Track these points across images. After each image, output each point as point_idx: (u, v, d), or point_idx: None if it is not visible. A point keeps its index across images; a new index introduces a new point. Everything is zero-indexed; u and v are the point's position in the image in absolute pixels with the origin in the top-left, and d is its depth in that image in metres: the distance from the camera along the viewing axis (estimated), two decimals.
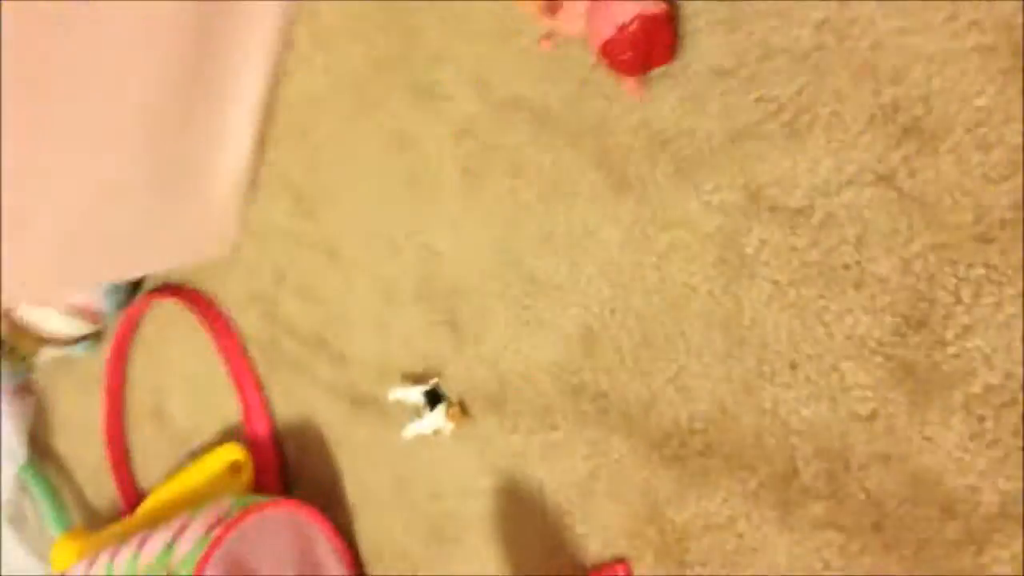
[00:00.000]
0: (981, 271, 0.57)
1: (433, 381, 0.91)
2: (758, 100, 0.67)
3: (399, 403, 0.95)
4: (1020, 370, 0.55)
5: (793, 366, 0.66)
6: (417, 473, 0.95)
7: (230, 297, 1.18)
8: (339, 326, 1.04)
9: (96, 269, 1.04)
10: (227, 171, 1.10)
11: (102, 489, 1.42)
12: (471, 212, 0.88)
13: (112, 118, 0.96)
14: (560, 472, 0.82)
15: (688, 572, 0.73)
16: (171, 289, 1.24)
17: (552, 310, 0.82)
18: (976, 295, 0.57)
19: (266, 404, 1.12)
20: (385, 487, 0.98)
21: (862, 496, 0.63)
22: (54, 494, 1.42)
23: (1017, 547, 0.56)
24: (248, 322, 1.16)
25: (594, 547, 0.80)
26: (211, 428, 1.21)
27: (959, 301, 0.58)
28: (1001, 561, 0.57)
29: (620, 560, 0.78)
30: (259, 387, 1.13)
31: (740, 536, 0.70)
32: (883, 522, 0.62)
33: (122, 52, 0.93)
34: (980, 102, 0.57)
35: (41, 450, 1.54)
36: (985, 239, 0.57)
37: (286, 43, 1.06)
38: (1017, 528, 0.56)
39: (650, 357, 0.75)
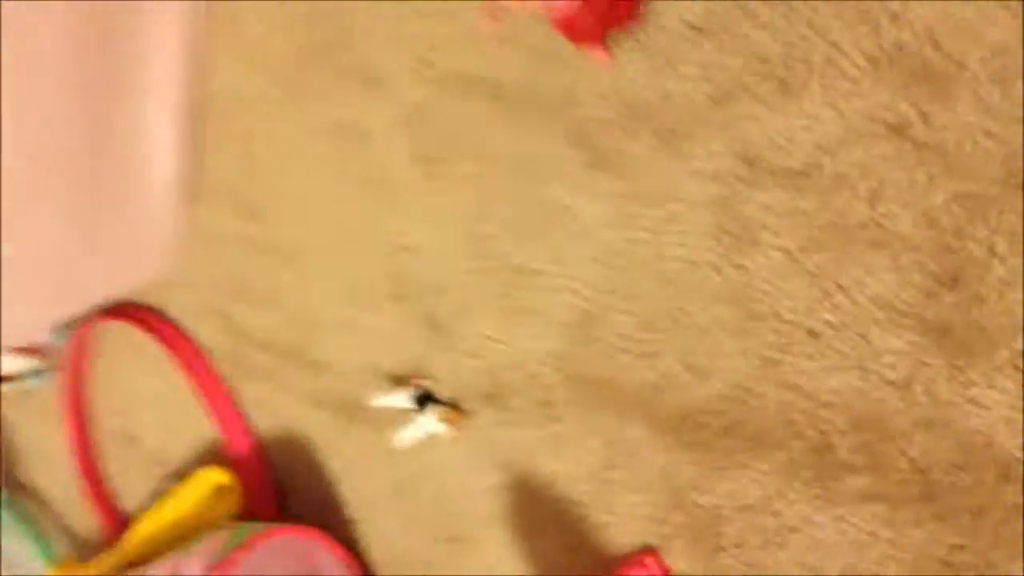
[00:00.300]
0: (1014, 219, 0.52)
1: (419, 384, 0.85)
2: (739, 56, 0.60)
3: (391, 410, 0.89)
4: None
5: (814, 335, 0.61)
6: (418, 477, 0.90)
7: (182, 313, 1.10)
8: (308, 332, 0.96)
9: (31, 317, 0.95)
10: (156, 183, 1.01)
11: (82, 518, 1.35)
12: (436, 202, 0.81)
13: (17, 144, 0.86)
14: (572, 464, 0.77)
15: (723, 556, 0.69)
16: (115, 310, 1.16)
17: (539, 298, 0.76)
18: (1011, 245, 0.52)
19: (243, 420, 1.05)
20: (385, 494, 0.93)
21: (905, 466, 0.59)
22: (36, 527, 1.36)
23: None
24: (207, 336, 1.09)
25: (618, 538, 0.75)
26: (185, 448, 1.14)
27: (994, 254, 0.52)
28: None
29: (649, 549, 0.74)
30: (232, 403, 1.06)
31: (776, 515, 0.65)
32: (931, 491, 0.58)
33: (17, 60, 0.83)
34: (994, 34, 0.51)
35: (13, 485, 1.46)
36: (1016, 184, 0.51)
37: (201, 41, 0.97)
38: None
39: (654, 338, 0.69)
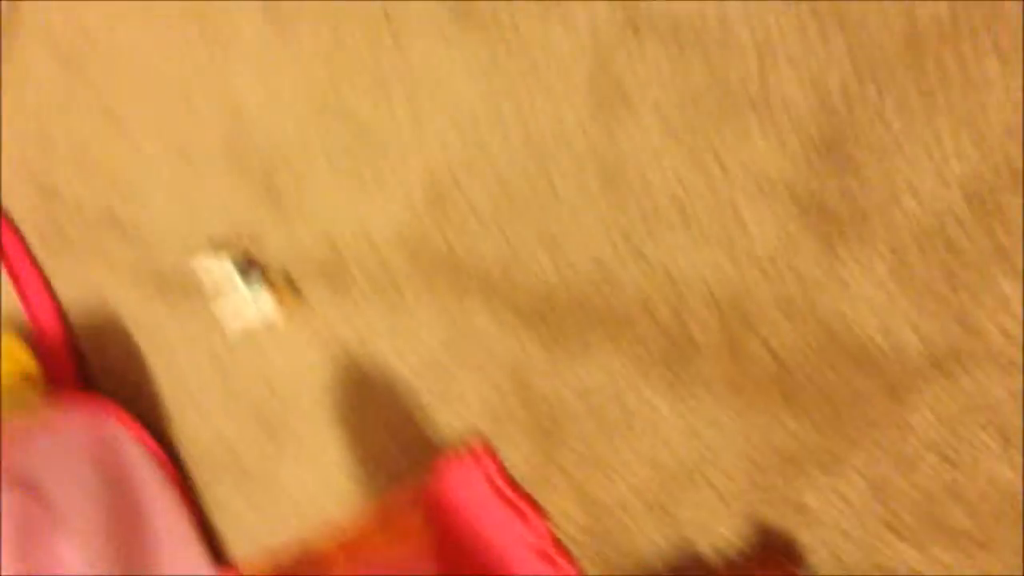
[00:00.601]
0: (908, 80, 0.48)
1: (250, 257, 0.77)
2: None
3: (213, 282, 0.80)
4: (952, 198, 0.47)
5: (682, 206, 0.56)
6: (242, 361, 0.81)
7: None
8: (131, 199, 0.86)
9: None
10: None
11: None
12: (283, 60, 0.72)
13: None
14: (410, 349, 0.70)
15: (561, 447, 0.64)
16: None
17: (392, 165, 0.68)
18: (901, 109, 0.48)
19: (51, 292, 0.94)
20: (205, 379, 0.84)
21: (762, 352, 0.55)
22: None
23: (940, 394, 0.49)
24: (17, 201, 0.97)
25: (451, 428, 0.69)
26: None
27: (880, 117, 0.49)
28: (921, 411, 0.50)
29: (483, 443, 0.68)
30: (40, 275, 0.94)
31: (621, 404, 0.61)
32: (785, 378, 0.54)
33: None
34: None
35: None
36: (913, 43, 0.47)
37: None
38: (939, 374, 0.49)
39: (511, 210, 0.63)
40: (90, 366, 0.93)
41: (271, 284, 0.76)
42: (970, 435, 0.49)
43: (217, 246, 0.80)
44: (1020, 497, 0.48)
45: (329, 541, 0.62)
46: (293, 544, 0.61)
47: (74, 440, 0.79)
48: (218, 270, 0.77)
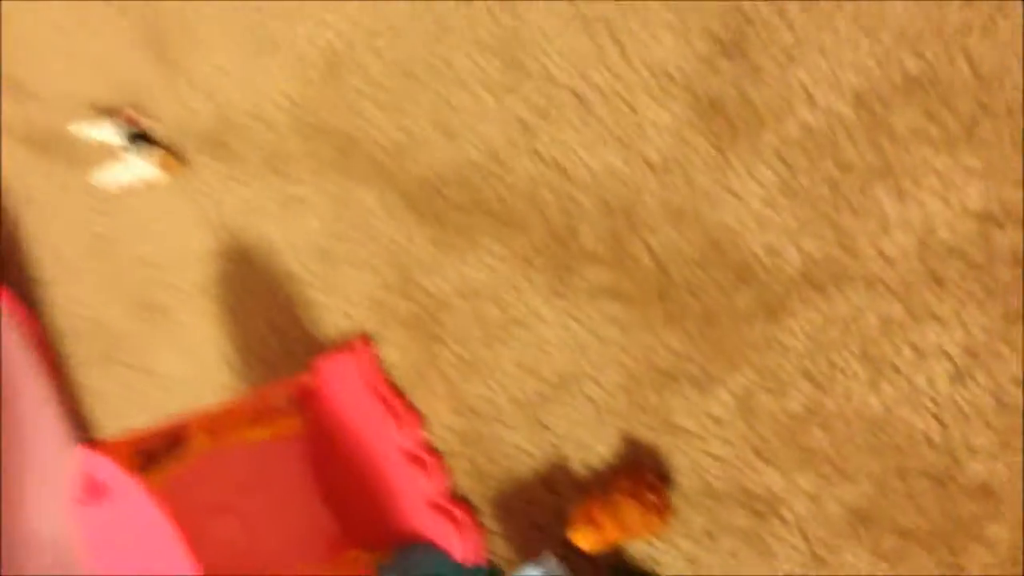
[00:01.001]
0: None
1: (134, 118, 0.75)
2: None
3: (97, 147, 0.79)
4: (843, 106, 0.47)
5: (582, 100, 0.56)
6: (120, 232, 0.80)
7: None
8: (14, 50, 0.84)
9: None
10: None
11: None
12: None
13: None
14: (294, 231, 0.70)
15: (441, 349, 0.64)
16: None
17: (287, 28, 0.67)
18: (805, 11, 0.48)
19: None
20: (81, 249, 0.83)
21: (647, 260, 0.55)
22: None
23: (814, 316, 0.50)
24: None
25: (331, 321, 0.69)
26: None
27: (784, 19, 0.48)
28: (794, 332, 0.51)
29: (362, 336, 0.68)
30: None
31: (503, 307, 0.61)
32: (668, 290, 0.55)
33: None
34: None
35: None
36: None
37: None
38: (816, 295, 0.50)
39: (407, 88, 0.62)
40: None
41: (156, 152, 0.74)
42: (841, 361, 0.50)
43: (102, 110, 0.78)
44: (883, 427, 0.49)
45: (193, 420, 0.62)
46: (158, 424, 0.61)
47: None
48: (102, 135, 0.76)
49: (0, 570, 0.76)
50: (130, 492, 0.58)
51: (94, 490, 0.59)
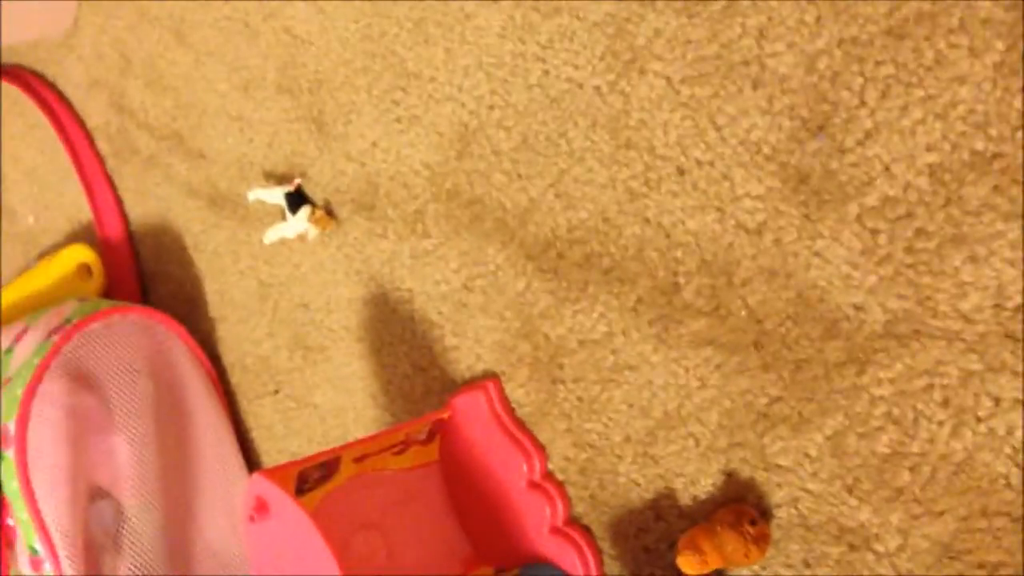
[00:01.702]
0: (890, 70, 0.51)
1: (296, 182, 0.84)
2: None
3: (261, 205, 0.88)
4: (920, 181, 0.51)
5: (681, 172, 0.61)
6: (282, 280, 0.89)
7: (70, 84, 1.06)
8: (194, 118, 0.94)
9: None
10: None
11: None
12: None
13: None
14: (431, 283, 0.77)
15: (561, 389, 0.70)
16: (9, 71, 1.11)
17: (425, 105, 0.74)
18: (882, 97, 0.52)
19: (119, 203, 1.03)
20: (248, 294, 0.92)
21: (744, 313, 0.59)
22: None
23: (899, 368, 0.54)
24: (95, 111, 1.05)
25: (465, 362, 0.76)
26: (59, 227, 1.12)
27: (863, 103, 0.52)
28: (881, 382, 0.55)
29: (491, 376, 0.74)
30: (110, 184, 1.03)
31: (615, 352, 0.66)
32: (763, 340, 0.59)
33: None
34: None
35: None
36: (898, 35, 0.51)
37: None
38: (900, 349, 0.53)
39: (529, 160, 0.69)
40: (146, 275, 1.02)
41: (313, 211, 0.82)
42: (925, 409, 0.53)
43: (270, 176, 0.87)
44: (965, 469, 0.52)
45: (343, 450, 0.69)
46: (314, 453, 0.69)
47: (131, 340, 0.88)
48: (269, 197, 0.84)
49: None
50: (288, 511, 0.66)
51: (260, 509, 0.67)
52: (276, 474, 0.67)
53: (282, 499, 0.65)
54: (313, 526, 0.65)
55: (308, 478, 0.68)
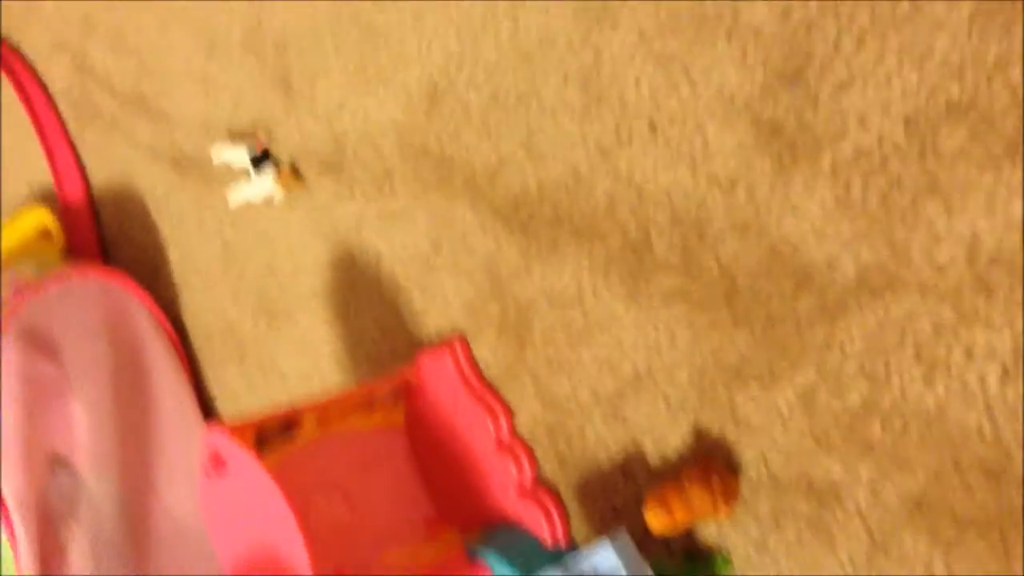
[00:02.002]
0: (865, 19, 0.50)
1: (261, 142, 0.81)
2: None
3: (227, 167, 0.85)
4: (895, 131, 0.50)
5: (653, 127, 0.59)
6: (248, 243, 0.86)
7: (33, 47, 1.03)
8: (158, 80, 0.91)
9: None
10: None
11: None
12: None
13: None
14: (399, 245, 0.74)
15: (529, 349, 0.68)
16: None
17: (394, 65, 0.72)
18: (857, 46, 0.50)
19: (80, 166, 0.99)
20: (213, 258, 0.89)
21: (715, 268, 0.58)
22: None
23: (871, 321, 0.52)
24: (57, 74, 1.01)
25: (433, 325, 0.74)
26: (19, 190, 1.08)
27: (839, 53, 0.51)
28: (853, 335, 0.53)
29: (458, 336, 0.72)
30: (71, 147, 1.00)
31: (585, 312, 0.65)
32: (734, 296, 0.57)
33: None
34: None
35: None
36: None
37: None
38: (873, 302, 0.52)
39: (500, 118, 0.66)
40: (108, 239, 0.98)
41: (279, 172, 0.80)
42: (896, 362, 0.52)
43: (233, 135, 0.84)
44: (937, 422, 0.51)
45: (305, 408, 0.67)
46: (273, 409, 0.66)
47: (90, 303, 0.84)
48: (234, 158, 0.81)
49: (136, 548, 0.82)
50: (247, 468, 0.63)
51: (217, 465, 0.64)
52: (234, 429, 0.64)
53: (240, 455, 0.63)
54: (273, 484, 0.62)
55: (268, 436, 0.66)
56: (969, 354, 0.50)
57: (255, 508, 0.64)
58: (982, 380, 0.50)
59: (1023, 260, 0.47)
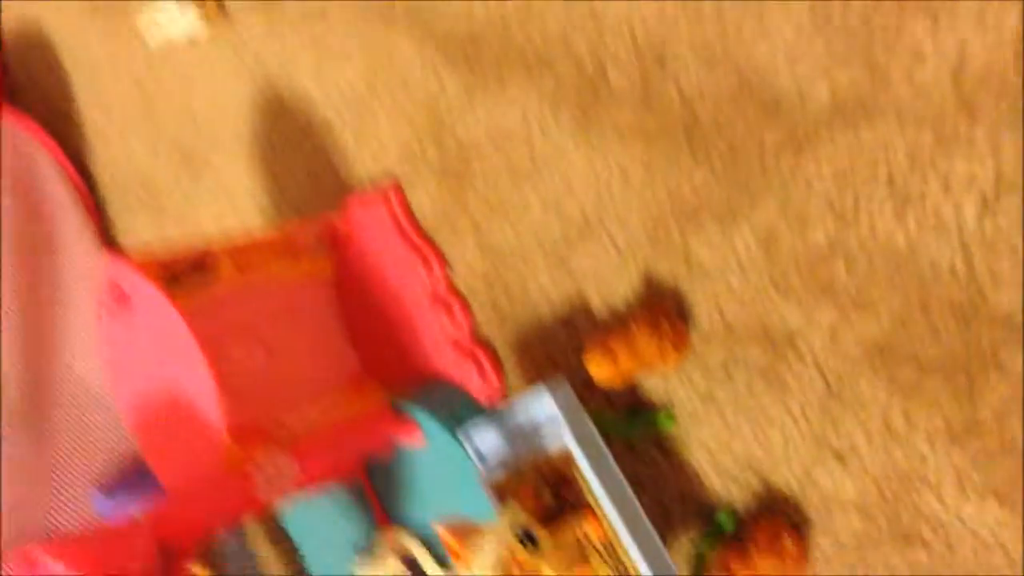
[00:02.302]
0: None
1: None
2: None
3: (148, 7, 0.76)
4: None
5: None
6: (166, 85, 0.78)
7: None
8: None
9: None
10: None
11: None
12: None
13: None
14: (332, 83, 0.67)
15: (470, 193, 0.62)
16: None
17: None
18: None
19: None
20: (129, 103, 0.81)
21: (676, 100, 0.52)
22: None
23: (842, 148, 0.47)
24: None
25: (365, 169, 0.67)
26: None
27: None
28: (821, 165, 0.48)
29: (392, 182, 0.66)
30: None
31: (531, 149, 0.59)
32: (694, 128, 0.52)
33: None
34: None
35: None
36: None
37: None
38: (845, 128, 0.47)
39: None
40: (15, 90, 0.89)
41: (203, 4, 0.72)
42: (867, 195, 0.47)
43: None
44: (907, 260, 0.47)
45: (219, 248, 0.60)
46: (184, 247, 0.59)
47: None
48: None
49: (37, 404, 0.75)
50: (152, 304, 0.56)
51: (120, 300, 0.57)
52: (138, 262, 0.57)
53: (146, 289, 0.56)
54: (183, 323, 0.56)
55: (178, 274, 0.59)
56: (946, 185, 0.45)
57: (161, 351, 0.57)
58: (958, 213, 0.45)
59: (1012, 79, 0.42)
